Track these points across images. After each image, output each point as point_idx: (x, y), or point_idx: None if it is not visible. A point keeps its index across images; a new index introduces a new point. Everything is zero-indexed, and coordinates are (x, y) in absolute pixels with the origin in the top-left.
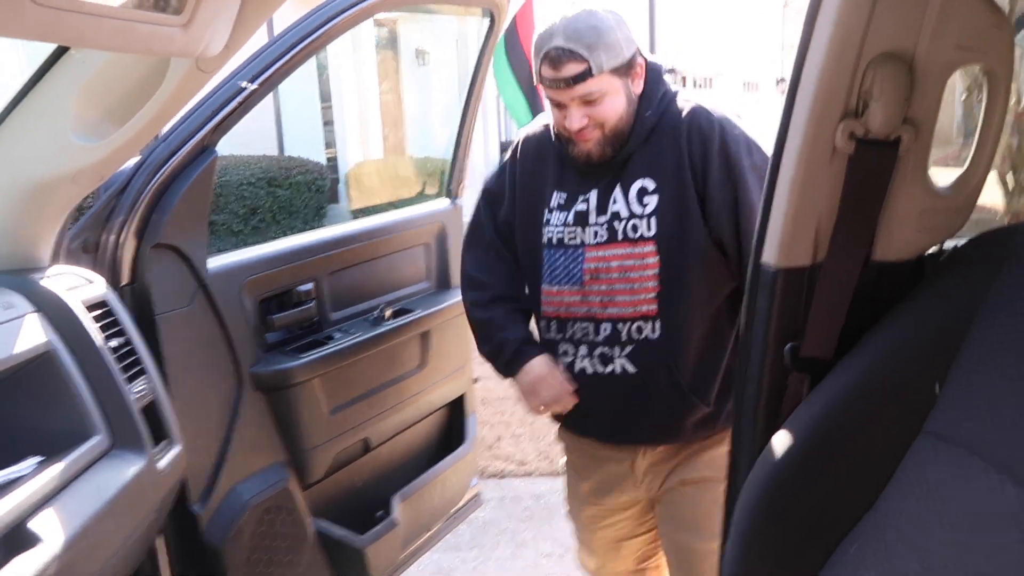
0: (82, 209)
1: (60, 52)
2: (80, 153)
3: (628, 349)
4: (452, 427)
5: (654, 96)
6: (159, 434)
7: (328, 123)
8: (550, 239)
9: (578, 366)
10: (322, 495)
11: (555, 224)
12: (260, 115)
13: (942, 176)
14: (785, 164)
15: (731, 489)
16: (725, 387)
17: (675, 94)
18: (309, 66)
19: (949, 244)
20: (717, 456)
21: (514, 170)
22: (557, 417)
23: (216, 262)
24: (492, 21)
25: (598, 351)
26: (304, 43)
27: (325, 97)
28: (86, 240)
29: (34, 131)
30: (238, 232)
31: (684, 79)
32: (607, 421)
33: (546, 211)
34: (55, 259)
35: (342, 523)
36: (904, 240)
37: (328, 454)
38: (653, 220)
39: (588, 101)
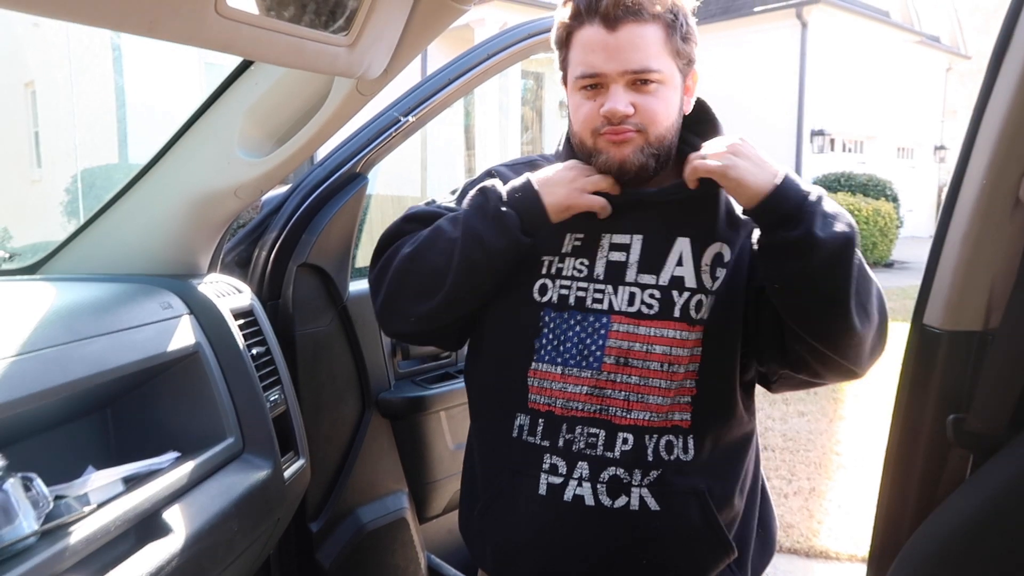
0: (240, 226)
1: (235, 75)
2: (243, 168)
3: (653, 475)
4: None
5: (716, 133)
6: (287, 445)
7: (470, 171)
8: (561, 298)
9: (571, 493)
10: (439, 530)
11: (568, 276)
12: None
13: None
14: (957, 217)
15: (873, 572)
16: (747, 524)
17: None
18: (456, 115)
19: None
20: None
21: None
22: (483, 560)
23: (358, 286)
24: None
25: (608, 473)
26: (459, 80)
27: (469, 145)
28: (240, 254)
29: (206, 145)
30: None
31: (832, 141)
32: None
33: (552, 258)
34: (212, 269)
35: (455, 563)
36: None
37: (448, 490)
38: (714, 300)
39: (643, 81)
